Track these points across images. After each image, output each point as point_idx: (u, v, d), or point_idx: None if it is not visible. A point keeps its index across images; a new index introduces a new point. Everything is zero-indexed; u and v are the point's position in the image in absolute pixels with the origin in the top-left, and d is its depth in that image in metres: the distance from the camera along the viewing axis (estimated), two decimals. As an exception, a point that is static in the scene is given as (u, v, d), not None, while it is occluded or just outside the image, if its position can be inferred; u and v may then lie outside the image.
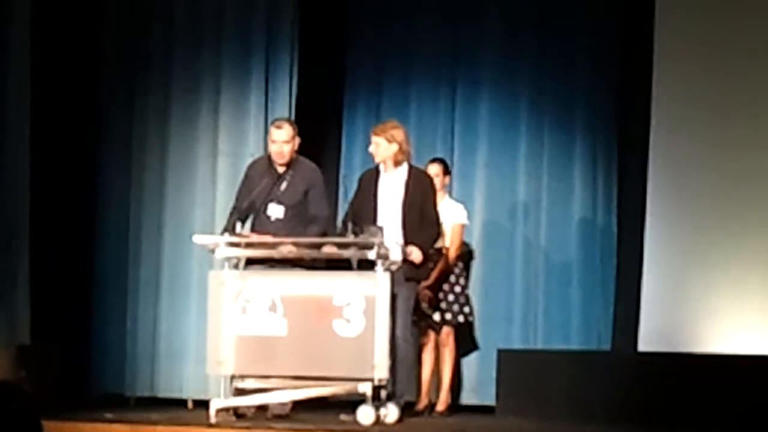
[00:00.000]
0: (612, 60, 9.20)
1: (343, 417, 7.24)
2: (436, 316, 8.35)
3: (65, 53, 9.03)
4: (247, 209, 7.76)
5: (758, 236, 8.34)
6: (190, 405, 8.78)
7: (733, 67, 8.55)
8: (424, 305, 8.16)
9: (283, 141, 7.69)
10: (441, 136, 9.45)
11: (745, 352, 7.94)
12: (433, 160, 8.56)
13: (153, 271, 9.10)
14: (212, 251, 7.48)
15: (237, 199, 7.87)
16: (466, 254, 8.81)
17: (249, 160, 8.25)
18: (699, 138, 8.65)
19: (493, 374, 8.63)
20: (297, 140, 7.75)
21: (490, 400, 8.66)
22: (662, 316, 8.65)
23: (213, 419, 7.13)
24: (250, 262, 7.54)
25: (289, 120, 8.09)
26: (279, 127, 7.74)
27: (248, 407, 7.45)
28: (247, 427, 6.87)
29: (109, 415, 7.33)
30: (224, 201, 8.53)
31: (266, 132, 8.00)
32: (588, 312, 9.11)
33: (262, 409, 7.56)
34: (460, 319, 8.43)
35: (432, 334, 8.42)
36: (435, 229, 7.67)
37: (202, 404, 7.85)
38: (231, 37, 9.15)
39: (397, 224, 7.46)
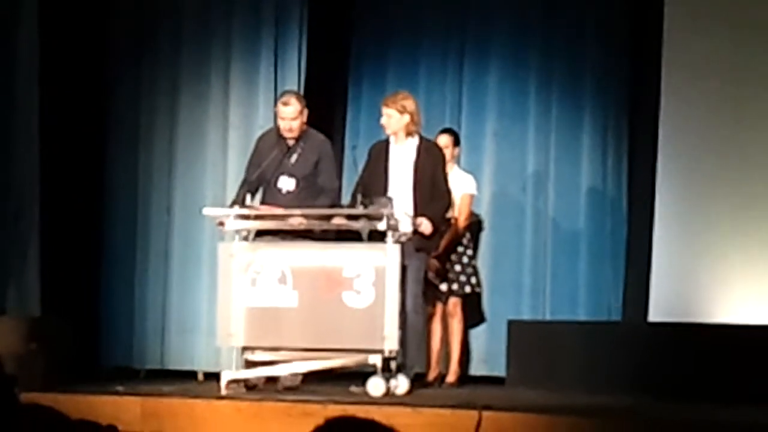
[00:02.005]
0: (622, 29, 9.16)
1: (353, 388, 7.25)
2: (443, 287, 8.34)
3: (73, 25, 9.00)
4: (256, 182, 7.75)
5: (769, 207, 8.33)
6: (200, 377, 8.80)
7: (746, 34, 8.49)
8: (431, 275, 8.15)
9: (291, 118, 7.66)
10: (449, 107, 9.43)
11: (755, 322, 7.93)
12: (443, 131, 8.54)
13: (163, 244, 9.10)
14: (222, 224, 7.46)
15: (246, 171, 7.86)
16: (474, 225, 8.79)
17: (259, 132, 8.23)
18: (710, 108, 8.61)
19: (503, 345, 8.64)
20: (305, 113, 7.72)
21: (501, 371, 8.67)
22: (672, 287, 8.63)
23: (223, 391, 7.15)
24: (260, 234, 7.54)
25: (296, 94, 8.03)
26: (286, 104, 7.70)
27: (258, 379, 7.47)
28: (258, 399, 6.87)
29: (119, 388, 7.34)
30: (235, 173, 8.52)
31: (276, 105, 7.97)
32: (598, 283, 9.10)
33: (272, 380, 7.57)
34: (467, 289, 8.42)
35: (440, 305, 8.42)
36: (445, 200, 7.65)
37: (213, 376, 7.87)
38: (241, 9, 9.12)
39: (407, 196, 7.45)
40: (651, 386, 7.46)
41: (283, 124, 7.69)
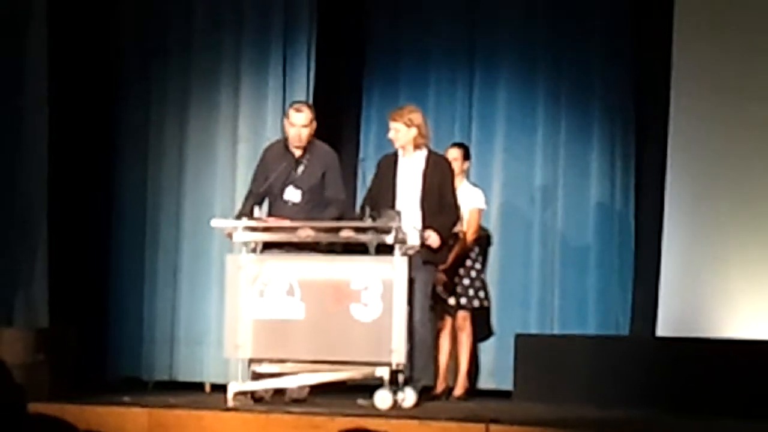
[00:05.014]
0: (630, 44, 9.17)
1: (360, 401, 7.24)
2: (452, 301, 8.34)
3: (82, 37, 9.03)
4: (263, 193, 7.76)
5: (778, 221, 8.31)
6: (207, 389, 8.80)
7: (754, 48, 8.48)
8: (439, 289, 8.15)
9: (302, 125, 7.68)
10: (459, 121, 9.44)
11: (763, 337, 7.91)
12: (454, 145, 8.56)
13: (172, 255, 9.11)
14: (229, 235, 7.47)
15: (253, 182, 7.88)
16: (483, 239, 8.79)
17: (264, 146, 8.24)
18: (718, 121, 8.60)
19: (511, 359, 8.63)
20: (314, 124, 7.74)
21: (508, 385, 8.66)
22: (681, 302, 8.62)
23: (230, 403, 7.15)
24: (268, 246, 7.55)
25: (307, 103, 8.08)
26: (298, 111, 7.72)
27: (266, 391, 7.46)
28: (265, 411, 6.88)
29: (126, 399, 7.34)
30: (244, 185, 8.51)
31: (286, 113, 7.97)
32: (606, 297, 9.09)
33: (279, 392, 7.57)
34: (476, 303, 8.42)
35: (448, 319, 8.42)
36: (453, 213, 7.65)
37: (220, 388, 7.87)
38: (250, 23, 9.15)
39: (415, 209, 7.45)
40: (658, 401, 7.44)
41: (292, 131, 7.70)
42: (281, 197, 7.72)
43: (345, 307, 7.16)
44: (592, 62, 9.23)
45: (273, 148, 7.93)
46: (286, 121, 7.84)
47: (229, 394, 7.21)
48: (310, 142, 7.74)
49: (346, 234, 7.34)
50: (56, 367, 7.63)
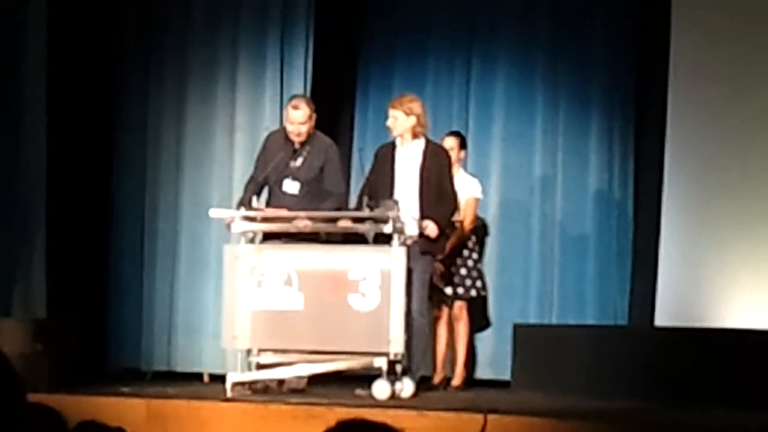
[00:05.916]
0: (629, 32, 9.16)
1: (358, 391, 7.24)
2: (448, 290, 8.34)
3: (82, 28, 9.01)
4: (263, 182, 7.76)
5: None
6: (206, 379, 8.81)
7: (753, 38, 8.47)
8: (436, 278, 8.14)
9: (300, 122, 7.66)
10: (456, 111, 9.42)
11: (762, 326, 7.91)
12: (450, 134, 8.55)
13: (170, 245, 9.11)
14: (228, 225, 7.47)
15: (255, 169, 7.88)
16: (479, 228, 8.79)
17: (265, 134, 8.23)
18: (717, 112, 8.59)
19: (509, 349, 8.63)
20: (314, 117, 7.72)
21: (506, 375, 8.67)
22: (679, 291, 8.62)
23: (229, 393, 7.15)
24: (266, 236, 7.54)
25: (306, 99, 8.02)
26: (296, 108, 7.69)
27: (264, 381, 7.46)
28: (263, 402, 6.88)
29: (125, 389, 7.34)
30: (241, 175, 8.53)
31: (282, 106, 7.97)
32: (604, 287, 9.09)
33: (278, 383, 7.57)
34: (473, 293, 8.43)
35: (445, 308, 8.42)
36: (452, 203, 7.65)
37: (219, 378, 7.87)
38: (247, 11, 9.14)
39: (413, 198, 7.45)
40: (657, 390, 7.44)
41: (291, 128, 7.69)
42: (279, 188, 7.72)
43: (343, 297, 7.16)
44: (591, 51, 9.21)
45: (275, 136, 7.93)
46: (284, 117, 7.83)
47: (228, 385, 7.21)
48: (311, 134, 7.72)
49: (344, 224, 7.34)
50: (55, 358, 7.62)
